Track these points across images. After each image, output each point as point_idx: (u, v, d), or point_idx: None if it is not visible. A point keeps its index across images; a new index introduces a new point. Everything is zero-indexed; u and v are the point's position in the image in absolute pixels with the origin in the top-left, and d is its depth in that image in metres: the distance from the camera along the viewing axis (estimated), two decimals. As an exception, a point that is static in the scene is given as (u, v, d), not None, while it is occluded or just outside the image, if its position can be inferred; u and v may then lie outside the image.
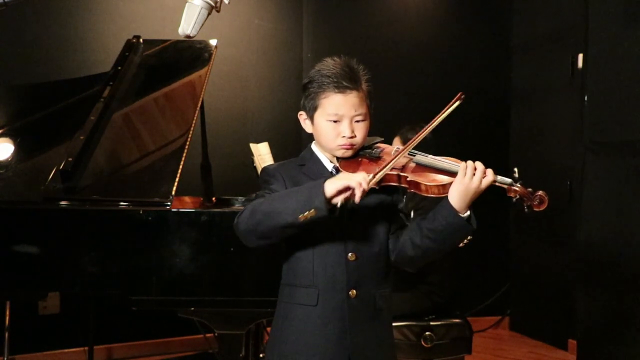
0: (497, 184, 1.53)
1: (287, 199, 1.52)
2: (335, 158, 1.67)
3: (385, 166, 1.55)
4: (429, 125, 1.59)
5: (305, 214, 1.46)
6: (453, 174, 1.55)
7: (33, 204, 2.30)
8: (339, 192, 1.46)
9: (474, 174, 1.50)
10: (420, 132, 1.59)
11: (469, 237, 1.60)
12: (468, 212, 1.54)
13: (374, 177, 1.51)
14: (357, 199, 1.45)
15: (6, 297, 2.91)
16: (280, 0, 4.23)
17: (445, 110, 1.59)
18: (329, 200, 1.46)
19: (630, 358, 3.32)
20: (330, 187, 1.46)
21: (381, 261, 1.66)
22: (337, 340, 1.60)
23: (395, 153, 1.59)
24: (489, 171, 1.52)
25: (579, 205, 3.76)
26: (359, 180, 1.45)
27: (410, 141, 1.58)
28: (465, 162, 1.53)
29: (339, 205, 1.47)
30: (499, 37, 4.63)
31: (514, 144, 4.61)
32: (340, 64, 1.62)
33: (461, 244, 1.62)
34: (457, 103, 1.59)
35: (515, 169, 1.54)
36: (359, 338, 1.61)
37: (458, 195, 1.51)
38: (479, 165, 1.51)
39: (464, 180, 1.50)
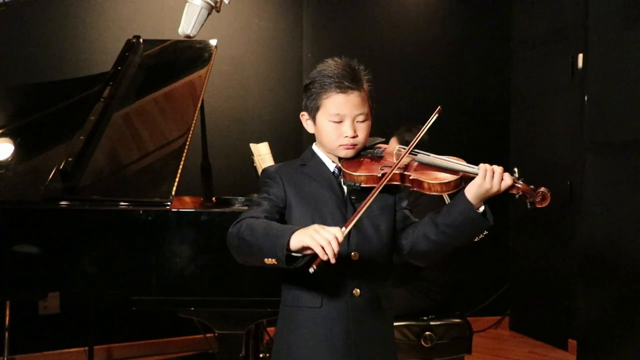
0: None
1: (264, 238, 1.46)
2: (337, 158, 1.67)
3: (361, 209, 1.50)
4: (408, 148, 1.60)
5: (270, 260, 1.43)
6: (455, 172, 1.57)
7: (33, 204, 2.31)
8: (305, 248, 1.38)
9: (494, 177, 1.51)
10: (400, 158, 1.59)
11: (485, 232, 1.61)
12: (483, 207, 1.55)
13: (347, 226, 1.45)
14: (332, 259, 1.35)
15: (6, 297, 2.91)
16: (280, 0, 4.23)
17: (425, 127, 1.60)
18: (295, 251, 1.40)
19: (630, 358, 3.32)
20: (295, 240, 1.39)
21: (383, 259, 1.66)
22: (342, 341, 1.60)
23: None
24: (507, 175, 1.53)
25: (579, 205, 3.76)
26: (327, 239, 1.35)
27: (388, 173, 1.56)
28: (484, 165, 1.53)
29: (311, 271, 1.39)
30: (499, 37, 4.63)
31: (514, 144, 4.61)
32: (342, 64, 1.63)
33: (476, 239, 1.62)
34: (436, 117, 1.60)
35: (516, 169, 1.55)
36: (363, 337, 1.62)
37: (476, 194, 1.53)
38: (497, 168, 1.52)
39: (485, 184, 1.51)
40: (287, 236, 1.40)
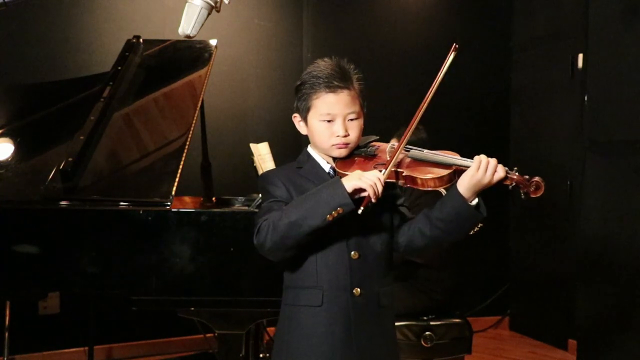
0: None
1: (308, 205, 1.52)
2: (332, 158, 1.67)
3: (395, 156, 1.56)
4: (429, 92, 1.59)
5: (333, 213, 1.49)
6: (448, 166, 1.56)
7: (33, 204, 2.30)
8: (356, 191, 1.50)
9: (487, 169, 1.51)
10: (423, 103, 1.59)
11: (479, 225, 1.61)
12: (476, 200, 1.55)
13: (386, 170, 1.54)
14: (374, 198, 1.49)
15: (6, 297, 2.91)
16: (280, 0, 4.23)
17: (443, 67, 1.59)
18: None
19: (630, 358, 3.32)
20: (349, 185, 1.50)
21: (384, 258, 1.67)
22: (343, 340, 1.60)
23: (399, 142, 1.59)
24: (500, 167, 1.53)
25: (579, 205, 3.76)
26: (373, 181, 1.49)
27: (414, 117, 1.58)
28: (479, 156, 1.53)
29: (360, 212, 1.50)
30: (499, 37, 4.63)
31: (514, 143, 4.61)
32: (331, 64, 1.64)
33: (472, 232, 1.62)
34: (453, 55, 1.59)
35: (515, 169, 1.55)
36: (363, 336, 1.62)
37: (468, 186, 1.52)
38: (492, 161, 1.52)
39: (477, 175, 1.51)
40: (339, 184, 1.51)
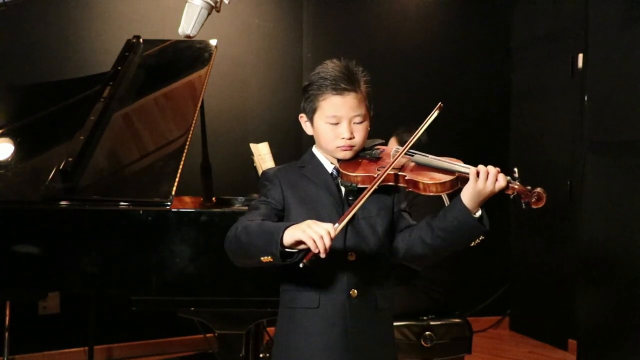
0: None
1: (259, 236, 1.47)
2: (336, 160, 1.67)
3: (356, 206, 1.49)
4: (408, 142, 1.59)
5: (266, 257, 1.44)
6: (451, 172, 1.56)
7: (33, 204, 2.30)
8: (298, 243, 1.40)
9: (487, 178, 1.50)
10: (399, 153, 1.60)
11: (480, 238, 1.60)
12: (480, 212, 1.54)
13: (341, 222, 1.44)
14: (322, 254, 1.37)
15: (6, 297, 2.91)
16: (280, 0, 4.23)
17: (425, 124, 1.59)
18: (288, 247, 1.41)
19: (630, 358, 3.32)
20: (288, 235, 1.40)
21: (381, 260, 1.66)
22: (340, 341, 1.60)
23: (375, 179, 1.57)
24: (501, 175, 1.52)
25: (579, 205, 3.76)
26: (320, 234, 1.36)
27: (382, 173, 1.56)
28: (477, 166, 1.52)
29: (301, 265, 1.39)
30: (499, 37, 4.63)
31: (514, 144, 4.61)
32: (339, 66, 1.64)
33: (473, 244, 1.62)
34: (437, 113, 1.59)
35: (516, 169, 1.54)
36: (360, 338, 1.62)
37: (471, 197, 1.51)
38: (492, 169, 1.51)
39: (478, 184, 1.50)
40: (280, 232, 1.41)
